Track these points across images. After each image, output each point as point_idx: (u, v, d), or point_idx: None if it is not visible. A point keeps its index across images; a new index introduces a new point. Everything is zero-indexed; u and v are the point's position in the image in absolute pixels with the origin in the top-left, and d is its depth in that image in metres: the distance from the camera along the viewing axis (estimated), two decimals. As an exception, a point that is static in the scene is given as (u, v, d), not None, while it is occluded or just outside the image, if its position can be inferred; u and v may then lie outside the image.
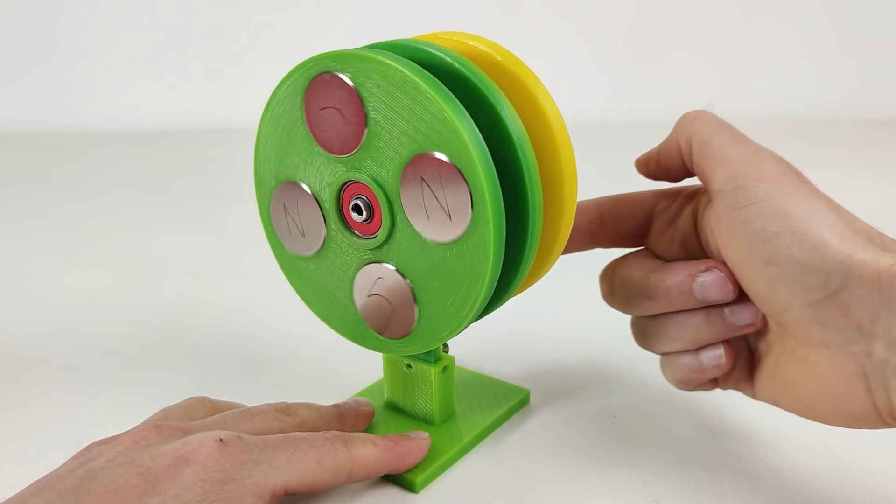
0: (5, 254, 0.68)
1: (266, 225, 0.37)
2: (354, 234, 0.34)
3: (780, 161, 0.31)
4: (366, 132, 0.31)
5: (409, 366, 0.38)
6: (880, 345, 0.27)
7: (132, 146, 1.09)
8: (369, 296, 0.34)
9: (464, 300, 0.32)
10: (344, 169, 0.33)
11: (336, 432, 0.33)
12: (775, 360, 0.32)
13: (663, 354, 0.35)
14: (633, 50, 1.22)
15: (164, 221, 0.76)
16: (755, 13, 1.19)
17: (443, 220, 0.31)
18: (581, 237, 0.37)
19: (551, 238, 0.34)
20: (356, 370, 0.43)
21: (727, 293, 0.32)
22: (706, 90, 1.20)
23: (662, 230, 0.35)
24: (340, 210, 0.34)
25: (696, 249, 0.34)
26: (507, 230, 0.31)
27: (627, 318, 0.36)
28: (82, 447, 0.31)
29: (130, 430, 0.31)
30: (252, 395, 0.38)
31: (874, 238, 0.29)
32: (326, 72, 0.31)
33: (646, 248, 0.36)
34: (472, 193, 0.29)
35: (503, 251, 0.31)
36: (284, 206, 0.35)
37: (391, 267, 0.33)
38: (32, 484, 0.28)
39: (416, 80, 0.29)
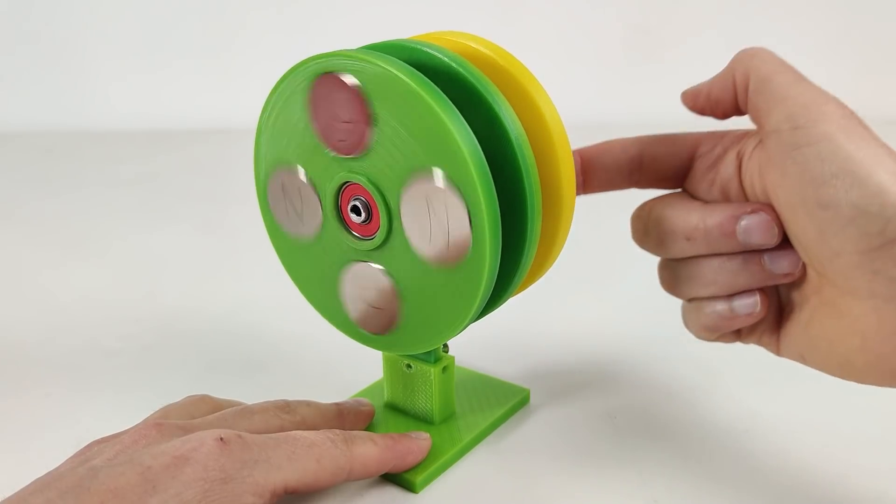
0: (5, 254, 0.68)
1: (263, 205, 0.36)
2: (351, 233, 0.34)
3: (843, 105, 0.30)
4: (370, 136, 0.31)
5: (409, 366, 0.38)
6: None
7: (132, 146, 1.09)
8: (355, 288, 0.35)
9: (451, 315, 0.32)
10: (345, 169, 0.32)
11: (336, 431, 0.33)
12: (810, 313, 0.31)
13: (690, 300, 0.34)
14: (631, 50, 1.22)
15: (164, 221, 0.76)
16: (755, 13, 1.19)
17: (439, 245, 0.31)
18: (620, 175, 0.36)
19: (550, 238, 0.34)
20: (356, 370, 0.43)
21: (771, 237, 0.31)
22: (706, 90, 1.20)
23: (704, 173, 0.34)
24: (339, 208, 0.34)
25: (737, 194, 0.33)
26: (505, 231, 0.31)
27: (628, 317, 0.36)
28: (82, 447, 0.31)
29: (130, 429, 0.31)
30: (252, 395, 0.38)
31: None
32: (335, 72, 0.31)
33: (683, 191, 0.35)
34: (473, 228, 0.29)
35: (495, 280, 0.31)
36: (282, 187, 0.35)
37: (380, 267, 0.33)
38: (32, 482, 0.28)
39: (425, 96, 0.29)
